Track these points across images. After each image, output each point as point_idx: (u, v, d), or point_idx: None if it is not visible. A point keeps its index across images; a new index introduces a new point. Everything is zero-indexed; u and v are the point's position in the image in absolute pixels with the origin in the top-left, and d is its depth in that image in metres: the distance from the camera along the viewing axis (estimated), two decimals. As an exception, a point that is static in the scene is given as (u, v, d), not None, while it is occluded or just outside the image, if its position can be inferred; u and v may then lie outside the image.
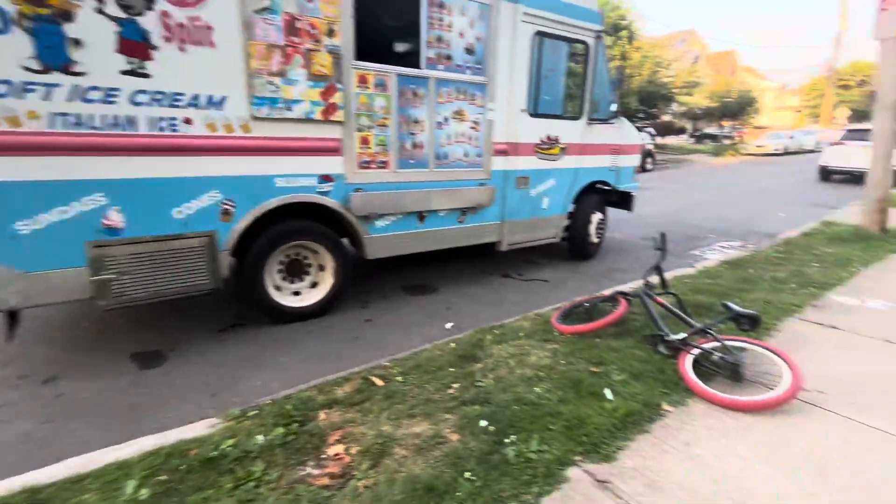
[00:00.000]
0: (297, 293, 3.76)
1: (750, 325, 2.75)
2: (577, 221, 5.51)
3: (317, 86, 3.29)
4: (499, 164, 4.50)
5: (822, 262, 5.02)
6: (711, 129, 37.70)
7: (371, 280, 4.81)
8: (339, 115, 3.43)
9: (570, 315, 3.39)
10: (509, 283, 5.02)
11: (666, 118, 29.43)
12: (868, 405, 2.31)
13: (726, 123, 35.46)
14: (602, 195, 5.88)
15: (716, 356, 2.52)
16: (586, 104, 5.09)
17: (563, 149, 5.00)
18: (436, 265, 5.39)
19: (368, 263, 4.08)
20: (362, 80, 3.53)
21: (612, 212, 6.27)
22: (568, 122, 5.06)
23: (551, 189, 5.03)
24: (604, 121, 5.33)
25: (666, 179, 15.97)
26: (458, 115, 4.12)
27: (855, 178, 12.62)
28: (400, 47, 4.72)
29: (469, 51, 4.07)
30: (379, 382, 2.54)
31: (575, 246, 5.64)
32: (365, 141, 3.65)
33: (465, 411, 2.24)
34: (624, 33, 21.18)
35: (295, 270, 3.72)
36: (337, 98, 3.39)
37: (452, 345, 3.04)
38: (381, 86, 3.63)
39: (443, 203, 4.18)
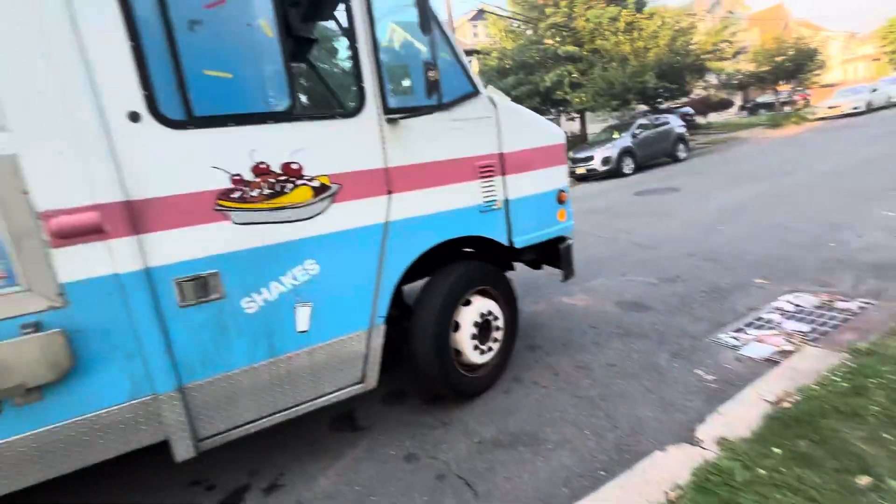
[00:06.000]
0: None
1: None
2: (419, 330, 2.55)
3: None
4: (86, 260, 1.68)
5: None
6: (766, 98, 32.23)
7: None
8: None
9: None
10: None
11: (700, 92, 24.63)
12: None
13: (783, 88, 29.71)
14: (488, 261, 2.89)
15: None
16: (367, 81, 2.17)
17: (317, 190, 2.09)
18: None
19: None
20: None
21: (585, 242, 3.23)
22: (323, 125, 2.14)
23: (311, 285, 2.13)
24: (442, 107, 2.28)
25: (701, 170, 12.11)
26: None
27: None
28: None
29: None
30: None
31: (429, 377, 2.65)
32: None
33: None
34: (631, 1, 17.53)
35: None
36: None
37: None
38: None
39: None
